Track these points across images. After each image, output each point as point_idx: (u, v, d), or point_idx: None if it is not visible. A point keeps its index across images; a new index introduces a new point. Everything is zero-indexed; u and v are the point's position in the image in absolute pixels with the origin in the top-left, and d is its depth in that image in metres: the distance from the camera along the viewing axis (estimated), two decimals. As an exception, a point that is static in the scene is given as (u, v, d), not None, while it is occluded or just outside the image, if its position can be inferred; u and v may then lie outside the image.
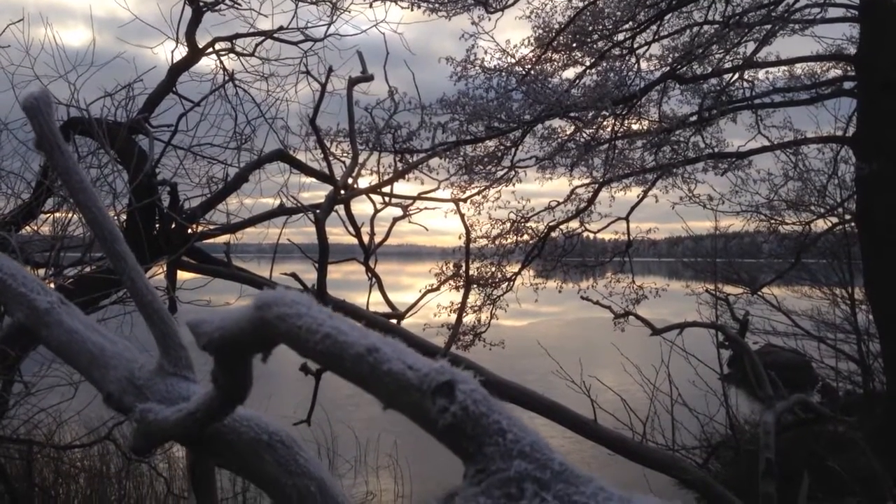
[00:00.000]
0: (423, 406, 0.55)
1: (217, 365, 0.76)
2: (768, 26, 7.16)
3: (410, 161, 6.91)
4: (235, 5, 5.72)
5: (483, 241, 8.68)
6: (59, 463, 6.94)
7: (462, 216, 5.52)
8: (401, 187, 7.44)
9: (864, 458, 5.88)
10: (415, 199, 6.10)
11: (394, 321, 5.43)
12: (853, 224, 7.75)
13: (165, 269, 4.89)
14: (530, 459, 0.54)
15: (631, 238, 8.93)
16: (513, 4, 8.12)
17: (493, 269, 8.77)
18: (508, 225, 8.71)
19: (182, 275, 5.30)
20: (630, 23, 8.05)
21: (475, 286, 8.44)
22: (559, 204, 8.76)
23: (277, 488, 0.87)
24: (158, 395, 0.91)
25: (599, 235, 9.63)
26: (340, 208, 5.44)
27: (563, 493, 0.53)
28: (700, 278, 10.92)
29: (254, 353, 0.72)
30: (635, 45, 8.21)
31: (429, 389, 0.55)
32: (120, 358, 0.94)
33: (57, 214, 5.02)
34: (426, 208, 6.17)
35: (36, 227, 5.08)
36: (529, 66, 8.13)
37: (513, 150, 8.40)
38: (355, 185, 5.82)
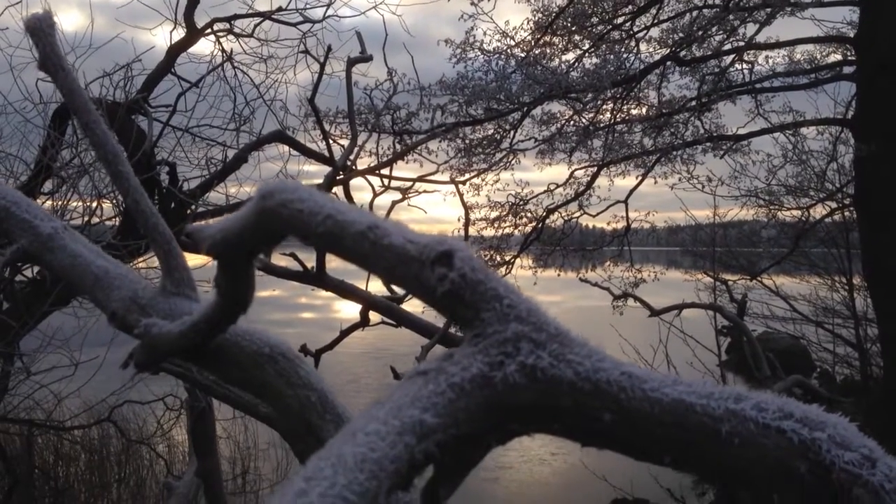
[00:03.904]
0: (422, 276, 0.56)
1: (220, 269, 0.77)
2: (769, 9, 7.16)
3: (409, 142, 6.92)
4: (234, -15, 5.71)
5: (482, 224, 8.71)
6: (59, 444, 6.98)
7: (461, 196, 5.54)
8: (399, 171, 7.45)
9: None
10: (414, 181, 6.13)
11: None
12: (852, 209, 7.76)
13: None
14: (526, 323, 0.55)
15: (630, 223, 8.95)
16: (512, -14, 8.10)
17: (492, 252, 8.78)
18: (507, 207, 8.73)
19: (181, 256, 5.31)
20: (630, 6, 8.04)
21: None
22: (558, 187, 8.78)
23: (280, 399, 0.88)
24: (162, 314, 0.92)
25: (598, 224, 9.65)
26: (339, 191, 5.46)
27: (557, 353, 0.54)
28: (699, 266, 10.94)
29: (257, 251, 0.73)
30: (635, 29, 8.21)
31: (428, 259, 0.56)
32: (124, 279, 0.95)
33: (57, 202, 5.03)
34: (425, 191, 6.20)
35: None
36: (528, 49, 8.14)
37: (512, 132, 8.42)
38: (354, 167, 5.84)
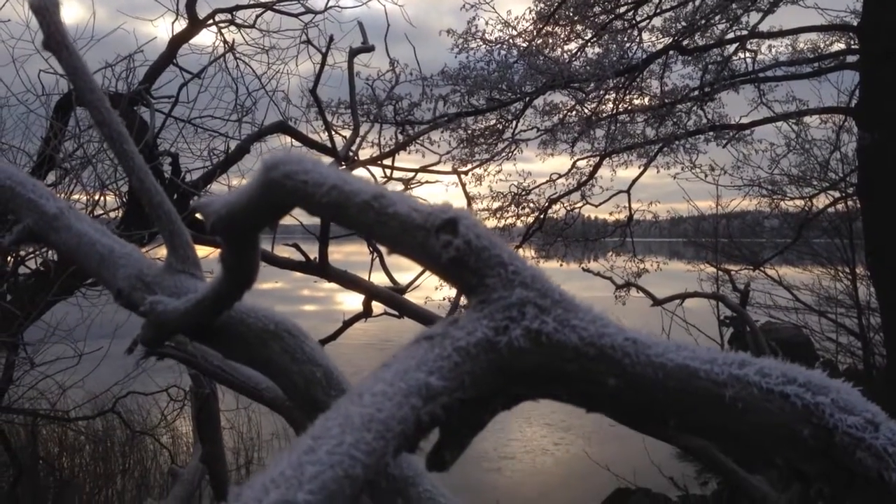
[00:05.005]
0: (427, 244, 0.56)
1: (225, 244, 0.78)
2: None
3: (412, 133, 6.92)
4: (236, -24, 5.71)
5: (484, 215, 8.72)
6: (63, 435, 7.01)
7: (464, 186, 5.55)
8: (402, 161, 7.45)
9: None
10: (416, 171, 6.13)
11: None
12: (855, 199, 7.76)
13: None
14: (531, 289, 0.56)
15: (632, 213, 8.96)
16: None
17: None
18: (509, 198, 8.75)
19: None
20: (632, -5, 8.04)
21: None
22: (560, 177, 8.79)
23: (285, 375, 0.89)
24: (167, 291, 0.93)
25: (600, 215, 9.65)
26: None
27: (562, 318, 0.55)
28: (702, 257, 10.95)
29: (263, 225, 0.73)
30: (637, 19, 8.20)
31: (433, 227, 0.56)
32: (129, 258, 0.96)
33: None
34: (427, 182, 6.21)
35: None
36: (531, 39, 8.13)
37: (514, 123, 8.42)
38: (356, 157, 5.84)
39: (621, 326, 0.56)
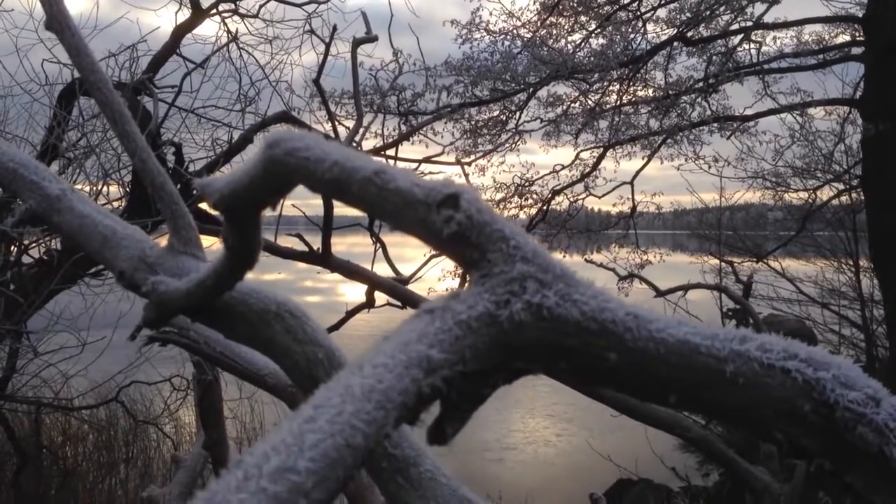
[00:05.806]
0: (428, 218, 0.56)
1: (227, 223, 0.77)
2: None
3: (415, 123, 6.92)
4: (239, -35, 5.70)
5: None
6: (66, 424, 7.03)
7: (467, 177, 5.54)
8: (405, 152, 7.45)
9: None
10: (420, 162, 6.13)
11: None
12: (859, 191, 7.74)
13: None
14: (532, 263, 0.55)
15: (636, 204, 8.94)
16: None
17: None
18: (513, 189, 8.74)
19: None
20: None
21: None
22: (563, 168, 8.78)
23: (287, 356, 0.89)
24: (169, 272, 0.93)
25: (604, 207, 9.64)
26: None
27: (563, 292, 0.55)
28: (705, 249, 10.94)
29: (265, 203, 0.73)
30: (642, 10, 8.17)
31: (434, 201, 0.56)
32: (131, 239, 0.96)
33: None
34: (430, 172, 6.20)
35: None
36: (534, 30, 8.12)
37: (517, 114, 8.41)
38: (360, 148, 5.84)
39: (622, 302, 0.56)
